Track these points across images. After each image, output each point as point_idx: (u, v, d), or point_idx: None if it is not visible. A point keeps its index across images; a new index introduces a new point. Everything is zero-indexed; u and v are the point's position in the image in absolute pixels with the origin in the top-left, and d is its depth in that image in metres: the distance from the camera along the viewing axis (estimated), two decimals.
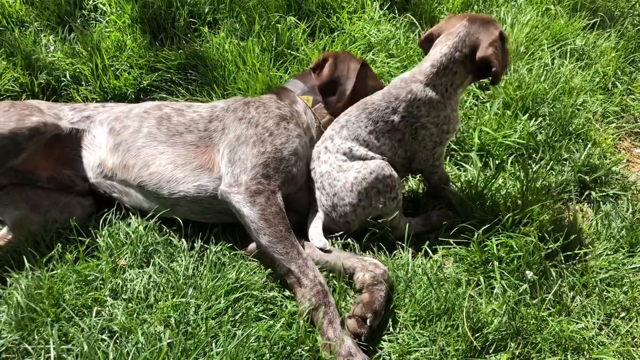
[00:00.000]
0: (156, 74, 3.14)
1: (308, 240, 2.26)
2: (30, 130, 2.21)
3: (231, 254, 2.23)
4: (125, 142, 2.34)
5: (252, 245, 2.30)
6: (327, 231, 2.30)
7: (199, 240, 2.26)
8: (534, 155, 2.81)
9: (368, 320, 1.92)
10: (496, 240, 2.23)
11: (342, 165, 2.25)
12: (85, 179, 2.36)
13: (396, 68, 3.32)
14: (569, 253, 2.24)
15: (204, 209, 2.29)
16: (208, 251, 2.21)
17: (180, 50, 3.27)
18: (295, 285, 2.05)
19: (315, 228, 2.26)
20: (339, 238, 2.29)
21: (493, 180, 2.49)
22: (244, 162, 2.21)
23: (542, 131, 2.90)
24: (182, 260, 2.16)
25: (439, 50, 2.27)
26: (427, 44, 2.42)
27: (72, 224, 2.22)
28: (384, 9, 3.73)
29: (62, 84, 3.10)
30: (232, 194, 2.15)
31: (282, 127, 2.33)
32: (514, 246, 2.18)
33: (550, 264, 2.18)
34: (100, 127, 2.42)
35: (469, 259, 2.23)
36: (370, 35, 3.48)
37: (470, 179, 2.60)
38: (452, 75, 2.26)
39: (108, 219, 2.30)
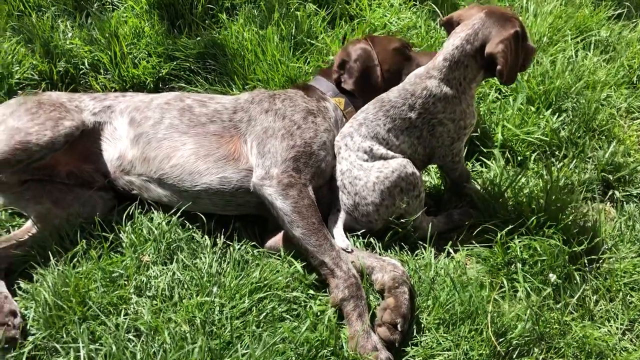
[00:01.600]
0: (175, 63, 3.11)
1: None
2: (66, 136, 2.23)
3: (254, 251, 2.23)
4: (146, 133, 2.33)
5: (271, 242, 2.30)
6: (349, 230, 2.30)
7: (222, 237, 2.26)
8: (556, 152, 2.78)
9: (399, 326, 1.92)
10: (519, 242, 2.22)
11: (363, 164, 2.24)
12: (105, 174, 2.35)
13: None
14: (592, 256, 2.23)
15: (226, 202, 2.29)
16: (231, 248, 2.21)
17: (199, 38, 3.23)
18: (328, 276, 2.07)
19: (338, 228, 2.25)
20: (360, 237, 2.28)
21: (517, 179, 2.46)
22: (274, 155, 2.21)
23: (565, 127, 2.86)
24: (205, 258, 2.17)
25: (452, 43, 2.22)
26: (448, 27, 2.38)
27: (95, 220, 2.23)
28: None
29: (81, 71, 3.08)
30: (265, 187, 2.15)
31: (310, 121, 2.31)
32: (538, 249, 2.17)
33: (574, 267, 2.17)
34: (120, 118, 2.40)
35: (491, 260, 2.23)
36: (390, 24, 3.43)
37: (493, 176, 2.57)
38: (464, 69, 2.22)
39: (130, 212, 2.31)
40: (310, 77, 2.93)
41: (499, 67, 2.13)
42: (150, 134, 2.32)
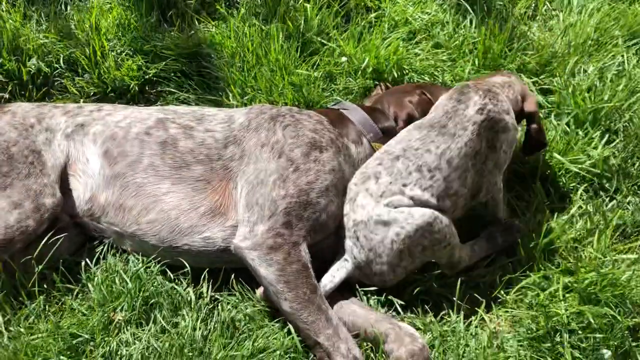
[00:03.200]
0: (164, 63, 2.69)
1: None
2: (49, 218, 1.89)
3: (246, 310, 1.86)
4: (122, 175, 1.94)
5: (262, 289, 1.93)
6: (359, 284, 1.93)
7: (210, 289, 1.91)
8: (606, 185, 2.37)
9: None
10: (567, 308, 1.84)
11: (382, 215, 1.84)
12: (72, 215, 1.98)
13: (443, 61, 2.84)
14: None
15: (211, 262, 1.94)
16: (220, 307, 1.86)
17: (192, 32, 2.81)
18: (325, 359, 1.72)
19: (334, 277, 1.88)
20: (374, 294, 1.92)
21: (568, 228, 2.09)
22: (262, 207, 1.83)
23: (617, 153, 2.44)
24: (188, 317, 1.81)
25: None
26: None
27: (60, 264, 1.88)
28: None
29: (55, 71, 2.66)
30: (247, 250, 1.79)
31: (312, 160, 1.90)
32: (591, 320, 1.79)
33: (633, 342, 1.80)
34: (93, 146, 2.01)
35: (533, 328, 1.85)
36: (413, 20, 2.98)
37: (533, 214, 2.19)
38: None
39: (103, 253, 1.95)
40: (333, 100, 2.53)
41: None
42: (127, 177, 1.93)
